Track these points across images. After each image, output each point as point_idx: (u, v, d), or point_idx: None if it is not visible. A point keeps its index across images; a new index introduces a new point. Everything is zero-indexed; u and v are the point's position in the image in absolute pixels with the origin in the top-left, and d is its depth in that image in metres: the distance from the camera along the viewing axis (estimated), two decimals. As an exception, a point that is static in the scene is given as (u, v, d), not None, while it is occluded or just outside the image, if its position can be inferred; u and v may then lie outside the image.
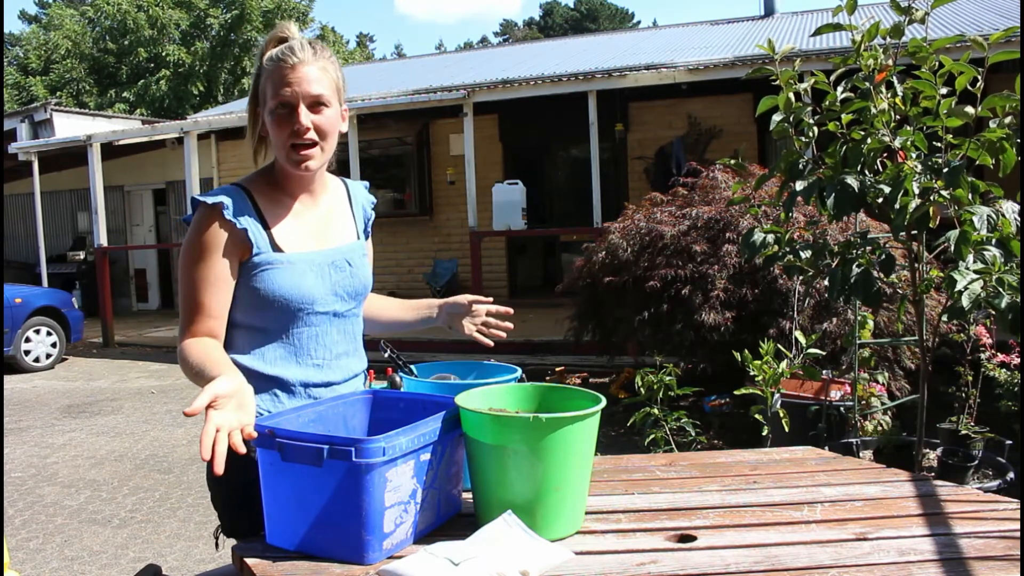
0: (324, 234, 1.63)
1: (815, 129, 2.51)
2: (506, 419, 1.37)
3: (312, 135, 1.51)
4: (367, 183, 1.86)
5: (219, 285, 1.51)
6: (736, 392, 3.42)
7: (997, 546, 1.31)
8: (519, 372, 1.79)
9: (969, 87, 2.24)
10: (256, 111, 1.58)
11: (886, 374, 4.12)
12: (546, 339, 8.15)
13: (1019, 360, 3.80)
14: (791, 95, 2.48)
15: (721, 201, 5.25)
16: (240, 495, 1.53)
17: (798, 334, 3.62)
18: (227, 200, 1.51)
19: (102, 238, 10.69)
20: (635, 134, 10.66)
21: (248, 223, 1.52)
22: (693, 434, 3.42)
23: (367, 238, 1.76)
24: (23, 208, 14.47)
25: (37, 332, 8.98)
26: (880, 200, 2.34)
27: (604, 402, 1.43)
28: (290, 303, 1.54)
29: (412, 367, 1.83)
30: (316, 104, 1.51)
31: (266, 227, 1.55)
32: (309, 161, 1.53)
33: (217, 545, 1.65)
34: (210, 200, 1.51)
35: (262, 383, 1.57)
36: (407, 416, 1.49)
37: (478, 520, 1.41)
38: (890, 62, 2.39)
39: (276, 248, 1.54)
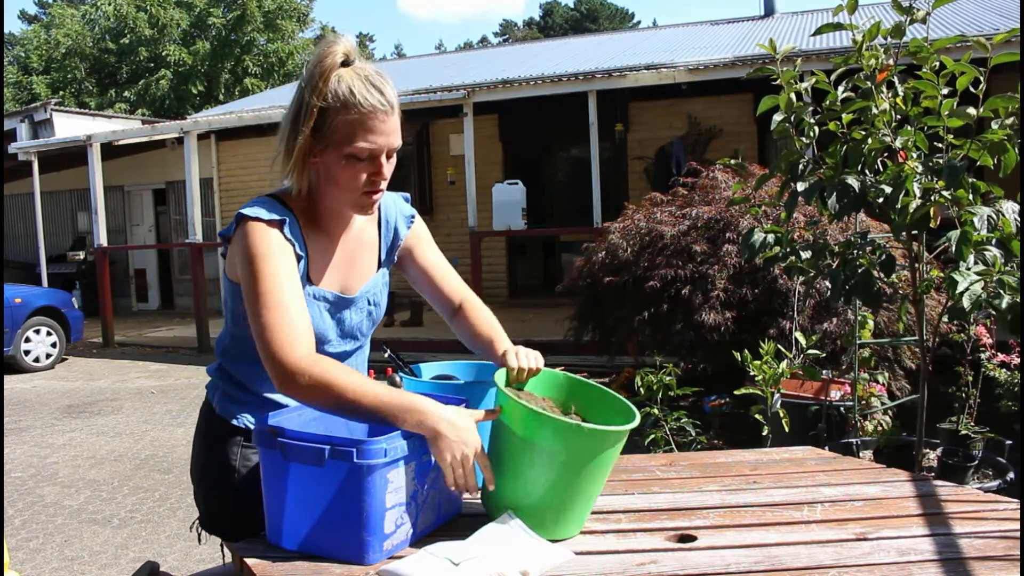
0: (349, 275, 1.56)
1: (816, 129, 2.51)
2: (547, 418, 1.32)
3: (384, 183, 1.47)
4: (407, 194, 1.72)
5: (302, 293, 1.42)
6: (736, 392, 3.42)
7: (997, 546, 1.31)
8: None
9: (971, 88, 2.24)
10: (307, 141, 1.41)
11: (886, 374, 4.12)
12: (546, 339, 8.14)
13: (1019, 360, 3.80)
14: (792, 95, 2.48)
15: (721, 201, 5.24)
16: (218, 494, 1.57)
17: (798, 334, 3.62)
18: (287, 219, 1.43)
19: (102, 238, 10.68)
20: (635, 134, 10.66)
21: (302, 250, 1.46)
22: (693, 434, 3.42)
23: (389, 263, 1.66)
24: (23, 208, 14.47)
25: (37, 332, 8.98)
26: (881, 200, 2.34)
27: (638, 418, 1.40)
28: None
29: (412, 367, 1.83)
30: (391, 153, 1.46)
31: (307, 256, 1.48)
32: (375, 206, 1.48)
33: (200, 539, 1.69)
34: (267, 216, 1.41)
35: (272, 409, 1.50)
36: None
37: (485, 504, 1.40)
38: (891, 62, 2.39)
39: (308, 280, 1.49)
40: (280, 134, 1.45)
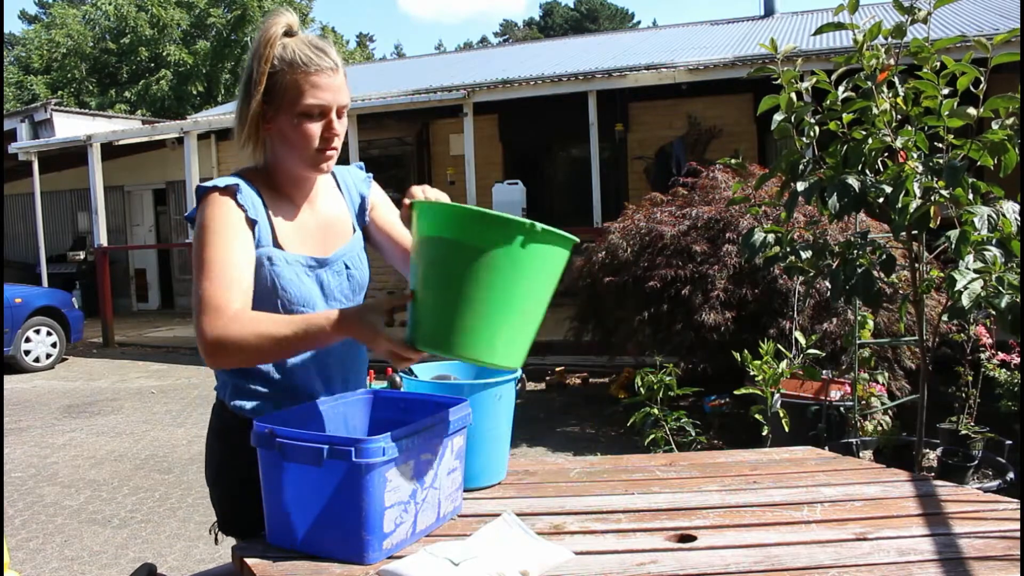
0: (324, 240, 1.58)
1: (816, 129, 2.51)
2: (492, 216, 1.22)
3: (338, 141, 1.51)
4: (361, 163, 1.78)
5: (248, 259, 1.44)
6: (736, 392, 3.42)
7: (997, 546, 1.31)
8: (519, 371, 1.78)
9: (972, 88, 2.24)
10: (260, 109, 1.49)
11: (886, 374, 4.12)
12: (546, 339, 8.13)
13: (1019, 360, 3.80)
14: (792, 95, 2.48)
15: (721, 201, 5.25)
16: (236, 492, 1.55)
17: (798, 334, 3.62)
18: (240, 184, 1.48)
19: (102, 238, 10.68)
20: (635, 134, 10.66)
21: (257, 214, 1.48)
22: (693, 434, 3.42)
23: (362, 224, 1.69)
24: (23, 208, 14.47)
25: (37, 332, 8.98)
26: (881, 200, 2.35)
27: (576, 240, 1.33)
28: (292, 302, 1.50)
29: (412, 367, 1.83)
30: (341, 111, 1.51)
31: (271, 223, 1.51)
32: (331, 162, 1.52)
33: (216, 540, 1.67)
34: (222, 183, 1.46)
35: (280, 394, 1.52)
36: (407, 416, 1.49)
37: (411, 331, 1.29)
38: (892, 62, 2.39)
39: (277, 245, 1.51)
40: (235, 114, 1.53)
